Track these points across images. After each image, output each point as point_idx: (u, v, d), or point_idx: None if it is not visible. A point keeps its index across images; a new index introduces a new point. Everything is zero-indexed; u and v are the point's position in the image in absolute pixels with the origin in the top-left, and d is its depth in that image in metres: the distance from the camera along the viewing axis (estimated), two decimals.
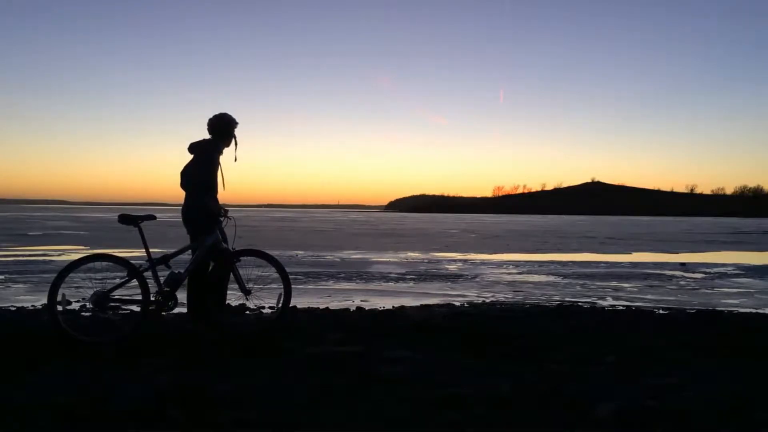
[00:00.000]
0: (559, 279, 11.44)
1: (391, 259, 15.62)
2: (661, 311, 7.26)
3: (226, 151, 4.79)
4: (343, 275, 11.62)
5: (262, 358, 3.82)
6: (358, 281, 10.74)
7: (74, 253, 16.63)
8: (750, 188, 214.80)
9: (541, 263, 15.16)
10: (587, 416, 2.72)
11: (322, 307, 7.15)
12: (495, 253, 18.84)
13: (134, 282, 4.48)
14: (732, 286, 10.62)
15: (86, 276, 4.69)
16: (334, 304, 7.60)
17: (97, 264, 4.66)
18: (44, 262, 13.61)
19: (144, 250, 4.60)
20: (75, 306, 7.34)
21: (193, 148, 4.66)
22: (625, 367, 3.69)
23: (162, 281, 4.55)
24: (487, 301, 8.35)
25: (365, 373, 3.43)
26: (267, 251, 4.95)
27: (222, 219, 4.74)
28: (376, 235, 30.96)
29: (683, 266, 14.34)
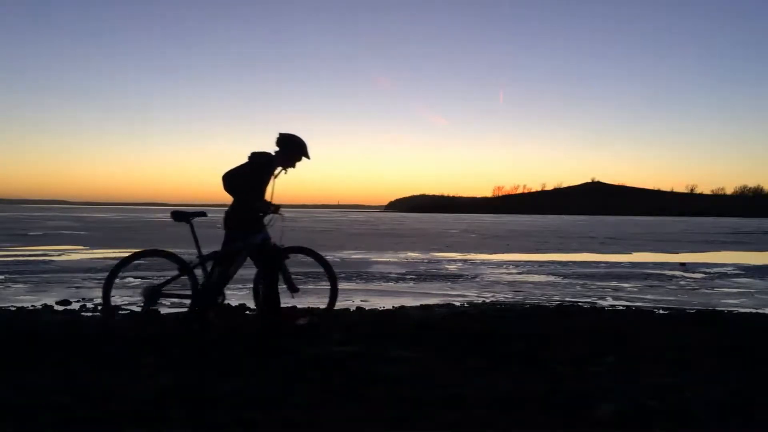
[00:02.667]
0: (559, 279, 11.43)
1: (391, 259, 15.61)
2: (661, 311, 7.26)
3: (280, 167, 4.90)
4: (343, 275, 11.62)
5: (262, 358, 3.82)
6: (358, 281, 10.73)
7: (74, 253, 16.62)
8: (750, 188, 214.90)
9: (541, 263, 15.16)
10: (587, 416, 2.72)
11: (322, 307, 7.15)
12: (495, 253, 18.83)
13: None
14: (732, 286, 10.62)
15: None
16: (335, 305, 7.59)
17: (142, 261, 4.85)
18: (44, 262, 13.61)
19: (195, 246, 4.80)
20: (84, 303, 7.35)
21: (252, 156, 4.76)
22: (625, 367, 3.69)
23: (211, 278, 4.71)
24: (487, 301, 8.35)
25: (365, 373, 3.43)
26: (315, 249, 5.10)
27: (270, 217, 4.88)
28: (376, 235, 30.95)
29: (683, 266, 14.34)
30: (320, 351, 3.95)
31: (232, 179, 4.70)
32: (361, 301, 8.24)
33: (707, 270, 13.61)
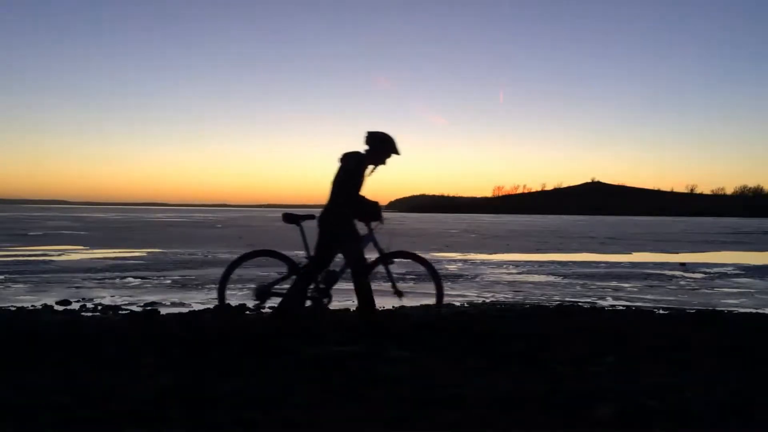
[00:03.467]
0: (559, 279, 11.43)
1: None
2: (661, 311, 7.26)
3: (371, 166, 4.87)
4: (343, 275, 11.61)
5: (262, 358, 3.82)
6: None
7: (74, 253, 16.62)
8: (750, 188, 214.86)
9: (541, 263, 15.15)
10: (587, 416, 2.72)
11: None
12: (495, 253, 18.83)
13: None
14: (732, 286, 10.62)
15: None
16: (334, 304, 7.59)
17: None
18: (44, 262, 13.61)
19: (304, 248, 4.87)
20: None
21: (342, 157, 4.77)
22: (625, 367, 3.69)
23: (319, 278, 4.81)
24: (487, 301, 8.35)
25: (365, 373, 3.43)
26: (418, 253, 5.10)
27: (374, 223, 4.90)
28: (375, 235, 30.92)
29: (683, 266, 14.34)
30: (320, 351, 3.95)
31: (334, 184, 4.74)
32: None
33: (707, 270, 13.61)
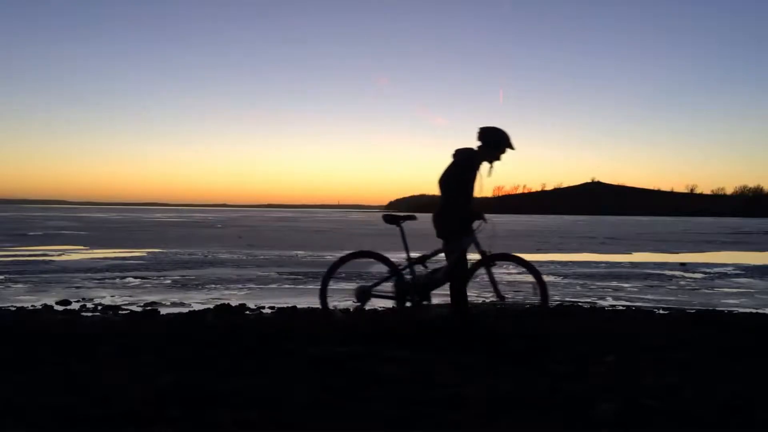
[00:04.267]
0: (559, 279, 11.43)
1: (392, 259, 15.61)
2: (661, 311, 7.26)
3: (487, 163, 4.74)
4: (343, 275, 11.61)
5: (262, 358, 3.82)
6: (358, 281, 10.73)
7: (74, 253, 16.63)
8: (750, 188, 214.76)
9: (541, 263, 15.15)
10: (587, 416, 2.72)
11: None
12: (495, 251, 18.81)
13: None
14: (732, 286, 10.62)
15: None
16: (334, 304, 7.60)
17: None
18: (44, 262, 13.61)
19: (404, 250, 4.85)
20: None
21: (456, 153, 4.67)
22: (625, 367, 3.69)
23: (419, 280, 4.77)
24: (487, 301, 8.35)
25: (365, 373, 3.43)
26: (522, 256, 4.93)
27: (478, 223, 4.72)
28: (376, 235, 30.93)
29: (683, 266, 14.34)
30: (320, 351, 3.95)
31: (443, 182, 4.64)
32: None
33: (707, 270, 13.61)
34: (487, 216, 4.72)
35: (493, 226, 4.76)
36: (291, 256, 16.27)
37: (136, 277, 10.71)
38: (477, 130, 4.68)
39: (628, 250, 20.57)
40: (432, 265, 4.85)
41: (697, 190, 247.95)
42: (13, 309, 6.81)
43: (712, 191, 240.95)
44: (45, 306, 7.13)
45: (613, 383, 3.27)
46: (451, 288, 4.68)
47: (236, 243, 21.60)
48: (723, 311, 7.25)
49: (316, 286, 9.84)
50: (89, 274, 11.11)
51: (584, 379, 3.38)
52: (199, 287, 9.55)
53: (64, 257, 15.07)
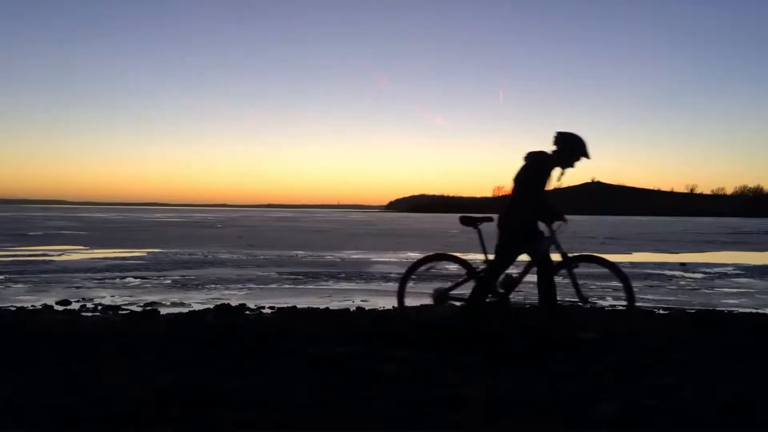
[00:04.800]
0: (559, 279, 11.43)
1: (391, 259, 15.62)
2: (661, 311, 7.26)
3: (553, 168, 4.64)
4: (343, 275, 11.62)
5: (262, 358, 3.82)
6: (358, 281, 10.73)
7: (74, 253, 16.63)
8: (750, 188, 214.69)
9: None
10: (587, 416, 2.72)
11: (322, 307, 7.15)
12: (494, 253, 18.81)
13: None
14: (732, 286, 10.62)
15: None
16: (334, 304, 7.60)
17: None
18: (44, 262, 13.61)
19: (482, 252, 4.74)
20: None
21: (527, 156, 4.58)
22: (625, 367, 3.69)
23: (497, 283, 4.64)
24: (488, 301, 8.34)
25: (365, 373, 3.43)
26: (605, 257, 4.74)
27: (558, 224, 4.62)
28: (376, 235, 30.96)
29: (683, 266, 14.34)
30: (320, 351, 3.95)
31: (515, 183, 4.57)
32: (361, 301, 8.24)
33: (707, 270, 13.61)
34: (567, 217, 4.63)
35: (573, 227, 4.66)
36: (291, 256, 16.27)
37: (136, 277, 10.71)
38: (554, 133, 4.55)
39: (628, 250, 20.57)
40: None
41: (697, 190, 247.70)
42: (13, 309, 6.81)
43: (712, 191, 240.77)
44: (45, 306, 7.14)
45: (613, 383, 3.27)
46: (539, 291, 4.62)
47: (236, 243, 21.60)
48: (723, 311, 7.25)
49: (317, 286, 9.89)
50: (89, 274, 11.11)
51: (584, 379, 3.38)
52: (199, 287, 9.56)
53: (64, 257, 15.07)
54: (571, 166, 4.58)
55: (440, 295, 4.80)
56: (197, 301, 7.99)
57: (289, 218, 68.93)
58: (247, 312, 6.75)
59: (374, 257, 16.20)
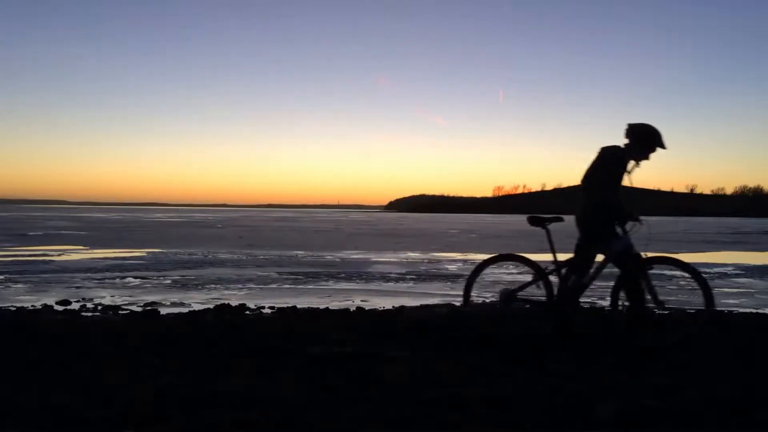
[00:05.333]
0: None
1: (391, 259, 15.62)
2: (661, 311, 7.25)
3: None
4: (343, 275, 11.63)
5: (262, 358, 3.82)
6: (358, 281, 10.74)
7: (74, 253, 16.63)
8: (750, 188, 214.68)
9: (541, 263, 15.15)
10: (587, 416, 2.72)
11: (322, 307, 7.15)
12: (495, 253, 18.82)
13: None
14: (732, 286, 10.63)
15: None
16: (334, 304, 7.60)
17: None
18: (44, 262, 13.62)
19: (551, 252, 4.64)
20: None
21: (601, 151, 4.46)
22: (625, 367, 3.69)
23: (569, 282, 4.52)
24: (487, 301, 8.35)
25: (365, 373, 3.43)
26: (681, 258, 4.65)
27: (631, 224, 4.45)
28: (376, 235, 30.97)
29: None
30: (320, 351, 3.95)
31: (586, 180, 4.44)
32: (361, 301, 8.24)
33: (707, 270, 13.60)
34: (641, 218, 4.47)
35: (648, 228, 4.49)
36: (291, 256, 16.28)
37: (136, 277, 10.72)
38: (625, 126, 4.44)
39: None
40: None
41: (697, 190, 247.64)
42: (13, 309, 6.81)
43: (712, 191, 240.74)
44: (45, 306, 7.14)
45: (613, 383, 3.28)
46: (626, 285, 4.46)
47: (236, 243, 21.61)
48: (723, 311, 7.25)
49: (317, 286, 9.90)
50: (89, 274, 11.11)
51: (584, 379, 3.38)
52: (199, 287, 9.56)
53: (64, 257, 15.08)
54: (646, 158, 4.44)
55: (507, 297, 4.65)
56: (197, 301, 7.99)
57: (289, 218, 68.95)
58: (247, 312, 6.75)
59: (374, 257, 16.20)
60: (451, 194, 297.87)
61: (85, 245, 19.60)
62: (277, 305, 7.38)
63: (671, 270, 4.69)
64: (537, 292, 4.62)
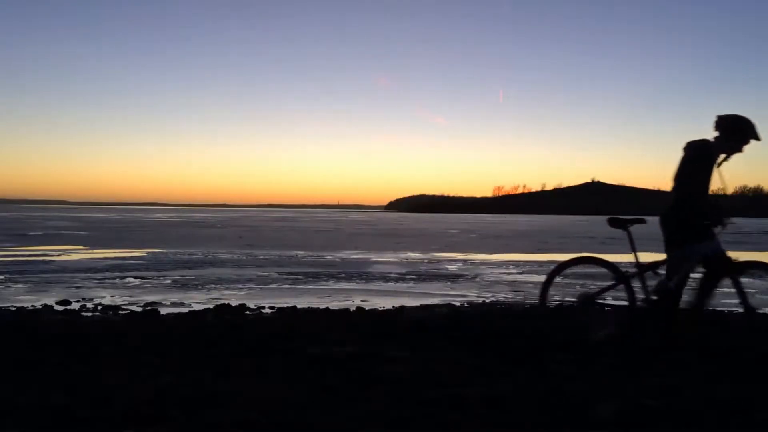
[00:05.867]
0: (559, 279, 11.41)
1: (391, 259, 15.62)
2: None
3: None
4: (343, 275, 11.63)
5: (262, 358, 3.82)
6: (358, 281, 10.74)
7: (74, 253, 16.63)
8: (750, 188, 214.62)
9: (541, 263, 15.16)
10: (587, 416, 2.72)
11: (322, 307, 7.15)
12: (495, 253, 18.84)
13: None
14: (732, 286, 10.61)
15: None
16: (334, 304, 7.61)
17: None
18: (44, 262, 13.62)
19: (632, 255, 4.45)
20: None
21: (686, 146, 4.28)
22: (625, 367, 3.69)
23: (649, 289, 4.32)
24: (487, 301, 8.35)
25: (365, 373, 3.43)
26: None
27: (719, 229, 4.18)
28: (376, 235, 30.98)
29: None
30: (320, 351, 3.95)
31: (675, 179, 4.26)
32: (361, 301, 8.24)
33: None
34: (730, 219, 4.24)
35: (734, 228, 4.30)
36: (291, 256, 16.28)
37: (136, 277, 10.72)
38: (714, 118, 4.22)
39: (628, 250, 20.56)
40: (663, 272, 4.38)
41: None
42: (13, 309, 6.81)
43: (712, 191, 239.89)
44: (45, 306, 7.14)
45: (613, 383, 3.27)
46: (663, 300, 4.26)
47: (236, 243, 21.61)
48: (723, 311, 7.24)
49: (317, 286, 9.90)
50: (89, 274, 11.11)
51: (584, 379, 3.38)
52: (199, 287, 9.56)
53: (64, 257, 15.08)
54: (739, 150, 4.19)
55: (585, 300, 4.49)
56: (197, 301, 7.99)
57: (289, 218, 68.94)
58: (247, 312, 6.75)
59: (374, 257, 16.20)
60: (451, 194, 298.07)
61: (85, 245, 19.60)
62: (277, 305, 7.39)
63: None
64: (618, 296, 4.47)
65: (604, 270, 4.57)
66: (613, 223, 4.63)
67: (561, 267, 4.67)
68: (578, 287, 4.38)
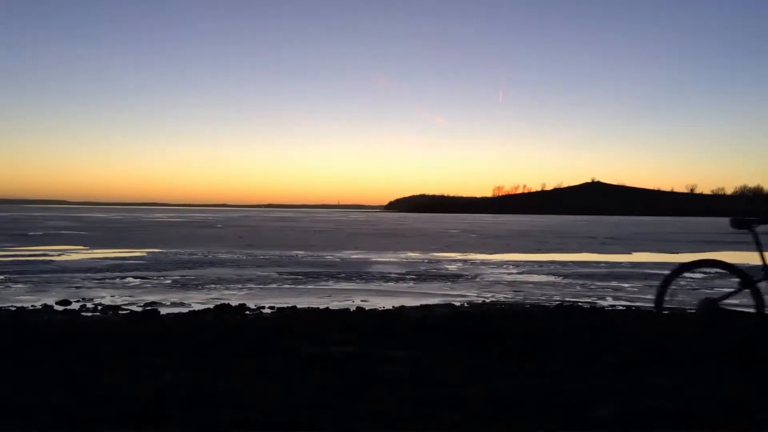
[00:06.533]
0: (559, 279, 11.44)
1: (391, 259, 15.62)
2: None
3: None
4: (343, 275, 11.63)
5: (262, 358, 3.82)
6: (358, 281, 10.74)
7: (74, 253, 16.63)
8: (750, 188, 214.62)
9: (541, 263, 15.16)
10: (587, 416, 2.72)
11: (322, 307, 7.15)
12: (495, 253, 18.84)
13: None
14: (732, 286, 10.60)
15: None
16: (334, 304, 7.61)
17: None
18: (44, 262, 13.62)
19: (759, 257, 4.23)
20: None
21: None
22: (625, 367, 3.69)
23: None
24: (487, 301, 8.36)
25: (365, 373, 3.43)
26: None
27: None
28: (376, 235, 30.98)
29: None
30: (320, 351, 3.95)
31: None
32: (361, 301, 8.24)
33: (707, 270, 13.61)
34: None
35: None
36: (291, 256, 16.28)
37: (136, 277, 10.72)
38: None
39: (628, 250, 20.58)
40: None
41: (697, 190, 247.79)
42: (13, 309, 6.81)
43: (712, 191, 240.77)
44: (45, 306, 7.14)
45: (613, 383, 3.27)
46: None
47: (236, 243, 21.61)
48: (723, 311, 7.24)
49: (317, 286, 9.90)
50: (89, 274, 11.11)
51: (584, 379, 3.38)
52: (199, 287, 9.56)
53: (64, 257, 15.08)
54: None
55: (707, 306, 4.26)
56: (197, 301, 7.99)
57: (289, 218, 68.96)
58: (247, 312, 6.75)
59: (374, 257, 16.20)
60: (451, 194, 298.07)
61: (85, 245, 19.60)
62: (277, 305, 7.39)
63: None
64: (744, 302, 4.26)
65: (726, 273, 4.36)
66: (735, 223, 4.38)
67: (679, 270, 4.36)
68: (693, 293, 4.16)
